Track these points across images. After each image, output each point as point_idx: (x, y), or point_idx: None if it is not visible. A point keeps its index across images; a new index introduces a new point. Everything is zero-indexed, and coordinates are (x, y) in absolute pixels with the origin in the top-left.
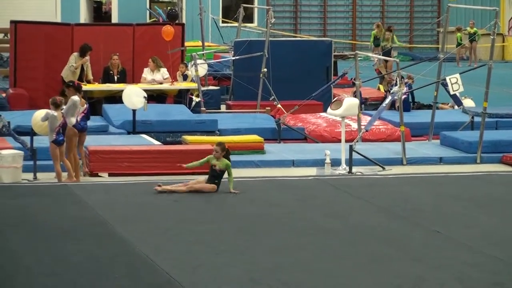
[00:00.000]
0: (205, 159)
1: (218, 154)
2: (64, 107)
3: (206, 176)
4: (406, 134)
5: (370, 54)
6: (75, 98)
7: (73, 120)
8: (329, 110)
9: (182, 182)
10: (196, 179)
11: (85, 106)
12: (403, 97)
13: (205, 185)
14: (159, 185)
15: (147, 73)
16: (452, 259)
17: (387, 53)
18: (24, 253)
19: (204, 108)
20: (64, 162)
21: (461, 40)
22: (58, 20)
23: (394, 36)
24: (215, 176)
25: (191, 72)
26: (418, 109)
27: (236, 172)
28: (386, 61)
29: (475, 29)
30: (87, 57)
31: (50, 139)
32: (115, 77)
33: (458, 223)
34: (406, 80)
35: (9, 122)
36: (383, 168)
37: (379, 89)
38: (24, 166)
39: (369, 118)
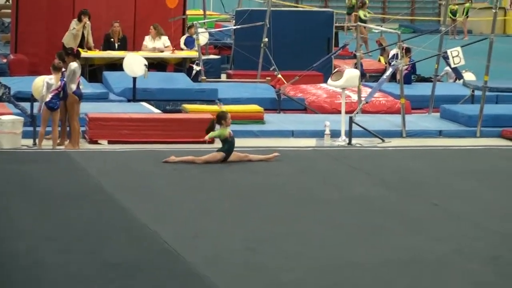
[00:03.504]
0: (219, 132)
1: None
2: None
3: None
4: (406, 106)
5: (371, 26)
6: (74, 64)
7: (73, 87)
8: (329, 81)
9: (183, 152)
10: (212, 154)
11: (59, 83)
12: (405, 72)
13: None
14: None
15: (148, 41)
16: (451, 232)
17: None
18: (23, 218)
19: (204, 77)
20: (53, 130)
21: (451, 13)
22: None
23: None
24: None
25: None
26: (418, 82)
27: (236, 142)
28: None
29: (468, 4)
30: (87, 21)
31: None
32: (116, 45)
33: (457, 196)
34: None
35: (9, 88)
36: (383, 140)
37: (379, 61)
38: (23, 132)
39: (369, 90)
